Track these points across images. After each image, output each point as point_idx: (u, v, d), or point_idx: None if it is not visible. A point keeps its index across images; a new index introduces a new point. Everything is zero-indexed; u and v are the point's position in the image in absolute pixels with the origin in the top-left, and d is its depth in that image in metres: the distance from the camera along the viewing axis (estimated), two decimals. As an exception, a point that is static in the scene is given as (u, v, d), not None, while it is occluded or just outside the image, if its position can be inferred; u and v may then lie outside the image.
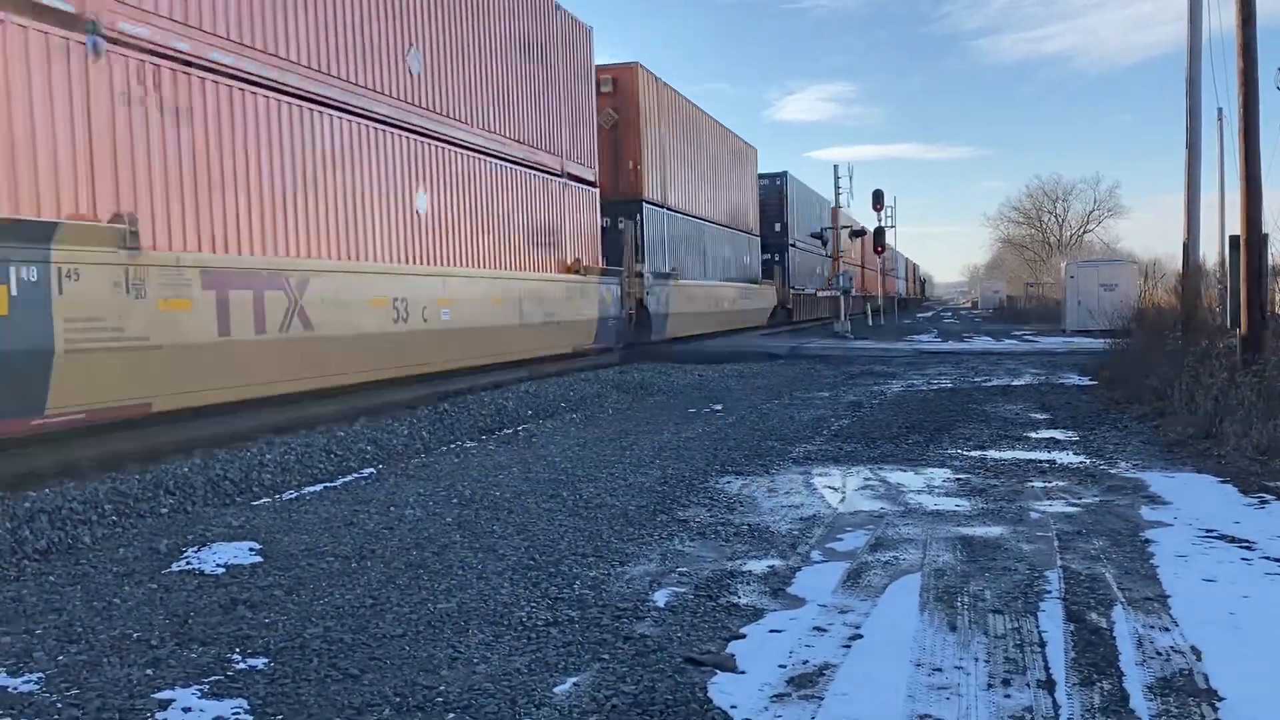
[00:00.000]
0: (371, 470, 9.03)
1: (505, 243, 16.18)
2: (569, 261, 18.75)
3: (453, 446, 10.42)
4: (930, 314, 77.96)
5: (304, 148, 11.15)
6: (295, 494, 7.98)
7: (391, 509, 7.26)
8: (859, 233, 48.37)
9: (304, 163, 11.14)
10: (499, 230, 15.93)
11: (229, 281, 9.58)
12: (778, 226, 37.81)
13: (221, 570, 5.69)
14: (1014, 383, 16.38)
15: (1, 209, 7.52)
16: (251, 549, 6.14)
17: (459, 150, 14.70)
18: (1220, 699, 3.73)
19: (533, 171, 17.33)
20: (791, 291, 39.08)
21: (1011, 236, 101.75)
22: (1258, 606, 4.79)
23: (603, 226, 20.79)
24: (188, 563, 5.86)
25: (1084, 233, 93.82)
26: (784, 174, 38.87)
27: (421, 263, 13.58)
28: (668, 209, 24.76)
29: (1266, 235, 12.62)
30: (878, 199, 40.74)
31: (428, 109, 13.79)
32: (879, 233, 43.09)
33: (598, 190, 20.44)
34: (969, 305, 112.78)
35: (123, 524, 6.92)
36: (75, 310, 7.81)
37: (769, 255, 37.00)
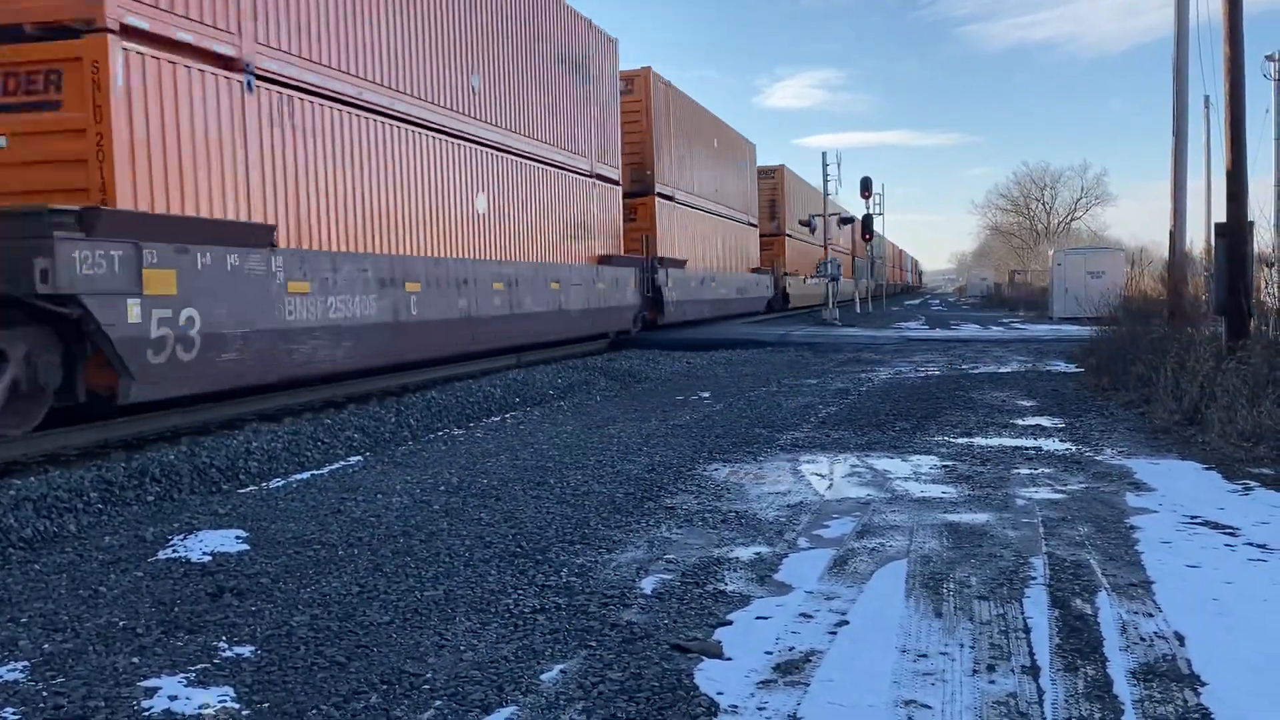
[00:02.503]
0: (359, 458, 9.01)
1: (551, 237, 18.36)
2: (598, 253, 20.65)
3: (440, 434, 10.41)
4: (918, 301, 78.11)
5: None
6: (282, 482, 7.96)
7: (379, 497, 7.25)
8: (847, 220, 48.35)
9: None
10: (545, 226, 18.16)
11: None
12: (775, 217, 41.82)
13: (208, 558, 5.68)
14: (1001, 370, 16.43)
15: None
16: (238, 537, 6.13)
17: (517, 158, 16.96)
18: (1203, 684, 3.76)
19: (569, 174, 19.41)
20: (786, 279, 41.77)
21: (999, 224, 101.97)
22: (1241, 592, 4.82)
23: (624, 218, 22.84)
24: (174, 551, 5.84)
25: (1071, 220, 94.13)
26: (780, 167, 42.69)
27: (482, 255, 15.56)
28: (677, 202, 26.51)
29: (1252, 222, 12.67)
30: (866, 186, 40.70)
31: (488, 122, 15.86)
32: (867, 220, 43.09)
33: (620, 188, 22.49)
34: (957, 293, 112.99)
35: (108, 512, 6.90)
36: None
37: (767, 245, 40.47)
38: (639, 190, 24.26)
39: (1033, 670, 3.91)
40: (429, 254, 13.75)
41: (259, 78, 10.46)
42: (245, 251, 9.84)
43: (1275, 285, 19.31)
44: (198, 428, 9.97)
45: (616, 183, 22.20)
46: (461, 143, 14.88)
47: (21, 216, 7.76)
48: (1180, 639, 4.21)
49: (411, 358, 13.44)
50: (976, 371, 16.24)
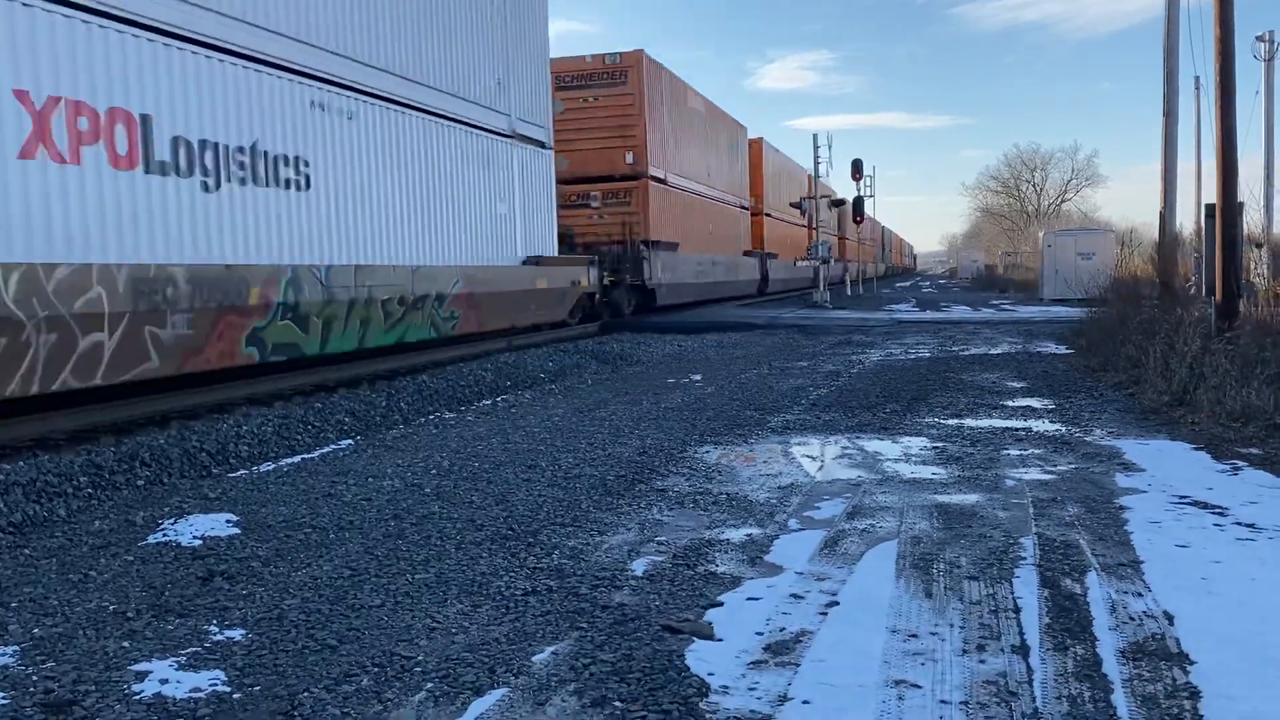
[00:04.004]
0: (350, 442, 9.00)
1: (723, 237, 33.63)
2: (744, 249, 36.58)
3: (431, 418, 10.40)
4: (909, 283, 78.15)
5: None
6: (273, 465, 7.95)
7: (370, 480, 7.24)
8: (838, 203, 48.34)
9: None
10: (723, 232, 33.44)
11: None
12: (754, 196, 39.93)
13: (198, 542, 5.67)
14: (991, 351, 16.46)
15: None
16: (229, 521, 6.12)
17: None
18: (1192, 663, 3.78)
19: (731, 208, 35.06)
20: (769, 261, 40.35)
21: (990, 206, 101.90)
22: (1229, 572, 4.85)
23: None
24: (164, 535, 5.83)
25: (1062, 202, 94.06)
26: (759, 140, 40.13)
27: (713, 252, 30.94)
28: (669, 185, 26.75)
29: (1241, 204, 12.70)
30: (856, 168, 40.66)
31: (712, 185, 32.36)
32: (858, 202, 43.07)
33: (749, 211, 38.09)
34: (947, 275, 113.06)
35: (98, 496, 6.88)
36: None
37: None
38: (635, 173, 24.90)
39: (1022, 650, 3.92)
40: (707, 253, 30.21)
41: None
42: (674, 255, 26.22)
43: (1264, 266, 19.36)
44: (187, 411, 9.94)
45: (745, 207, 37.23)
46: (713, 202, 31.21)
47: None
48: (1169, 618, 4.23)
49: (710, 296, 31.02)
50: (967, 353, 16.27)
